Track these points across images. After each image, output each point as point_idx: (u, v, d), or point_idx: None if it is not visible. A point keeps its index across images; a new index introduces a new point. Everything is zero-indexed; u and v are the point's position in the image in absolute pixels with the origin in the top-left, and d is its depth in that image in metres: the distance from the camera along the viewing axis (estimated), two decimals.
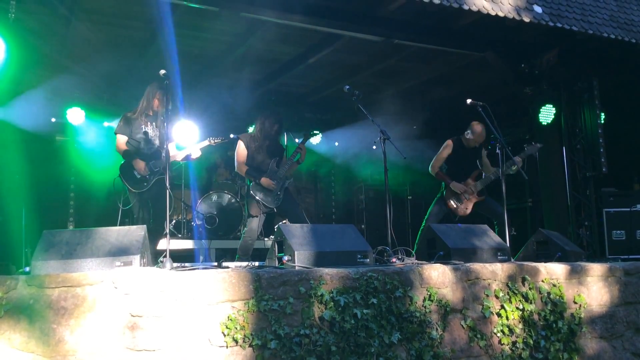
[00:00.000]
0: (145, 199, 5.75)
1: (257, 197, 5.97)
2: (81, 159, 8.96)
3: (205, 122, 9.77)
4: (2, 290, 3.26)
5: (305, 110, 10.74)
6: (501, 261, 4.88)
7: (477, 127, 6.53)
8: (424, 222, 6.25)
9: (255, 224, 6.03)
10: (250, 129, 9.87)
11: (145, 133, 5.78)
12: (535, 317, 4.44)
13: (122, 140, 5.75)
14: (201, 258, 7.96)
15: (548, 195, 8.05)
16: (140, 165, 5.68)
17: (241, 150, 6.19)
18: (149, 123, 5.80)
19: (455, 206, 6.40)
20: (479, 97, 5.96)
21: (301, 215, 6.04)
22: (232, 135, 9.88)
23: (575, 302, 4.68)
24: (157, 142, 5.85)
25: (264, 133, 6.21)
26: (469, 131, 6.59)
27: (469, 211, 6.44)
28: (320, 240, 4.41)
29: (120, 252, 3.80)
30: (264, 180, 5.99)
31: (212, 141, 6.06)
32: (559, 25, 6.68)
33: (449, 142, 6.61)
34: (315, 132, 6.44)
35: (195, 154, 5.92)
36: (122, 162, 5.80)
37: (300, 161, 6.21)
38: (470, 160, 6.60)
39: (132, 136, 5.76)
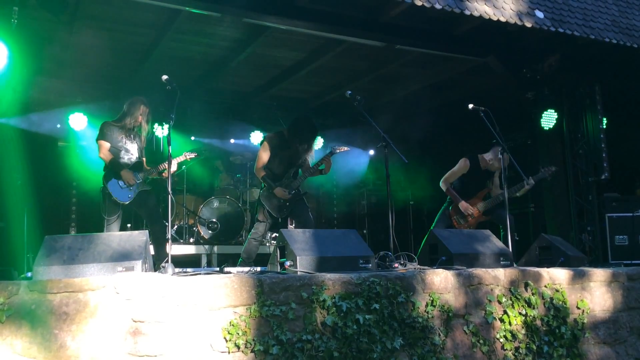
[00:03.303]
0: (130, 210, 5.74)
1: (265, 205, 5.94)
2: (83, 164, 8.96)
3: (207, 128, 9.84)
4: (4, 296, 3.25)
5: None
6: (504, 266, 4.87)
7: (503, 155, 6.05)
8: (431, 228, 6.21)
9: (262, 228, 6.00)
10: (254, 134, 9.94)
11: (125, 144, 5.81)
12: (538, 322, 4.42)
13: (106, 146, 5.74)
14: (203, 263, 7.97)
15: (550, 201, 8.03)
16: (128, 175, 5.69)
17: (264, 152, 5.99)
18: (127, 135, 5.83)
19: (458, 224, 6.37)
20: (481, 102, 5.94)
21: (310, 221, 5.98)
22: (232, 141, 9.93)
23: (578, 308, 4.66)
24: (135, 154, 5.87)
25: (292, 141, 5.99)
26: (491, 154, 6.46)
27: (473, 227, 6.41)
28: (322, 246, 4.40)
29: (122, 257, 3.80)
30: (278, 191, 5.90)
31: (187, 156, 6.04)
32: (561, 30, 6.67)
33: (466, 161, 6.48)
34: (335, 149, 6.18)
35: (171, 168, 5.89)
36: (104, 173, 5.78)
37: (325, 172, 6.05)
38: (482, 179, 6.52)
39: (114, 145, 5.77)
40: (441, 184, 6.55)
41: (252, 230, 6.05)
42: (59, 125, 8.92)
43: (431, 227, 6.39)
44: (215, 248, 8.17)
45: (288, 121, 6.29)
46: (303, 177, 6.04)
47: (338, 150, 6.10)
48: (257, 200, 6.11)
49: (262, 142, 6.10)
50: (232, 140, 10.29)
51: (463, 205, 6.34)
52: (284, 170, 6.03)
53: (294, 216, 6.08)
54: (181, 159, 6.00)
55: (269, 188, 5.94)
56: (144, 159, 6.07)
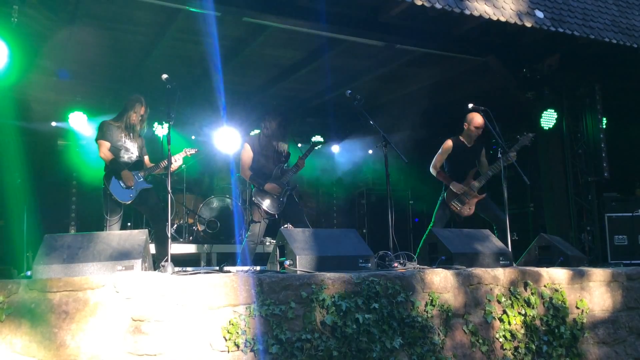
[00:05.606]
0: (130, 209, 5.75)
1: (259, 204, 5.96)
2: (83, 163, 8.98)
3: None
4: (3, 295, 3.26)
5: (307, 115, 10.76)
6: (503, 266, 4.88)
7: (475, 116, 6.42)
8: (430, 227, 6.23)
9: (257, 229, 6.02)
10: (253, 133, 9.94)
11: (125, 142, 5.82)
12: (538, 322, 4.43)
13: (106, 145, 5.75)
14: (203, 262, 7.97)
15: (550, 200, 8.04)
16: (128, 175, 5.69)
17: (246, 154, 6.12)
18: (126, 134, 5.85)
19: (457, 208, 6.38)
20: (481, 101, 5.95)
21: (303, 220, 6.02)
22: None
23: (577, 307, 4.67)
24: (135, 153, 5.88)
25: (268, 135, 6.15)
26: (465, 125, 6.54)
27: (472, 211, 6.42)
28: (321, 245, 4.41)
29: (121, 256, 3.80)
30: (269, 186, 5.95)
31: (187, 152, 6.05)
32: (561, 30, 6.68)
33: (449, 142, 6.56)
34: (318, 142, 6.30)
35: (174, 165, 5.89)
36: (105, 173, 5.79)
37: (301, 167, 6.20)
38: (470, 159, 6.57)
39: (114, 144, 5.78)
40: (431, 170, 6.61)
41: (249, 232, 6.07)
42: (58, 124, 8.92)
43: (431, 223, 6.40)
44: (215, 247, 8.16)
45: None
46: (286, 177, 6.08)
47: (317, 147, 6.30)
48: (250, 201, 6.14)
49: (242, 145, 6.18)
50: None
51: (455, 185, 6.37)
52: (271, 168, 6.11)
53: (286, 216, 6.11)
54: (181, 155, 6.01)
55: (260, 186, 5.97)
56: (146, 157, 6.07)
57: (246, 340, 3.45)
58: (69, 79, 8.27)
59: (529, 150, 8.46)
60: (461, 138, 6.59)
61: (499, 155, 5.95)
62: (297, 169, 6.13)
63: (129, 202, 5.74)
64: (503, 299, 4.35)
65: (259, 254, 7.26)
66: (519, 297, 4.41)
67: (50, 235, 3.93)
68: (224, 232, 8.34)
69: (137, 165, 5.86)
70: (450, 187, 6.40)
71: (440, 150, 6.60)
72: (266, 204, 5.96)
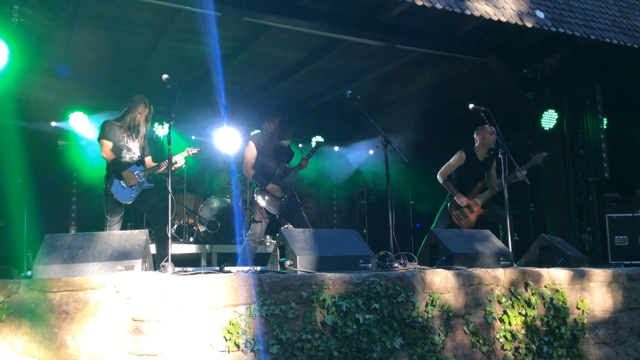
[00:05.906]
0: (130, 210, 5.75)
1: (261, 203, 5.96)
2: (83, 163, 8.98)
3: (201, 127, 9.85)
4: (4, 294, 3.26)
5: (307, 115, 10.75)
6: (504, 266, 4.87)
7: (483, 126, 6.44)
8: (431, 228, 6.22)
9: (259, 228, 6.02)
10: (253, 133, 9.93)
11: (127, 142, 5.82)
12: (538, 322, 4.43)
13: (109, 145, 5.74)
14: (203, 262, 7.97)
15: (550, 201, 8.03)
16: (129, 175, 5.69)
17: (250, 152, 6.11)
18: (128, 134, 5.85)
19: (458, 220, 6.38)
20: (481, 102, 5.95)
21: (304, 220, 6.03)
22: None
23: (578, 308, 4.67)
24: (137, 153, 5.89)
25: (270, 134, 6.15)
26: (478, 137, 6.54)
27: (473, 224, 6.41)
28: (322, 245, 4.40)
29: (122, 256, 3.80)
30: (270, 187, 5.96)
31: (190, 152, 6.04)
32: (562, 30, 6.67)
33: (462, 153, 6.54)
34: (321, 142, 6.31)
35: (176, 165, 5.87)
36: (106, 173, 5.79)
37: (304, 166, 6.23)
38: (480, 172, 6.56)
39: (115, 144, 5.78)
40: (438, 177, 6.60)
41: (249, 231, 6.07)
42: (59, 124, 8.92)
43: (432, 227, 6.39)
44: (215, 247, 8.16)
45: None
46: (289, 178, 6.08)
47: (315, 151, 6.35)
48: (252, 200, 6.14)
49: (247, 143, 6.16)
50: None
51: (460, 198, 6.36)
52: (274, 168, 6.11)
53: (287, 216, 6.11)
54: (183, 154, 6.01)
55: (262, 186, 5.98)
56: (149, 157, 6.06)
57: (246, 340, 3.45)
58: (69, 78, 8.28)
59: (530, 151, 8.45)
60: (474, 150, 6.58)
61: (499, 155, 5.94)
62: (300, 168, 6.13)
63: (130, 202, 5.74)
64: (504, 300, 4.34)
65: (260, 254, 7.26)
66: (519, 297, 4.40)
67: (51, 235, 3.93)
68: (225, 232, 8.33)
69: (139, 165, 5.86)
70: (455, 198, 6.39)
71: (451, 161, 6.58)
72: (268, 203, 5.97)
